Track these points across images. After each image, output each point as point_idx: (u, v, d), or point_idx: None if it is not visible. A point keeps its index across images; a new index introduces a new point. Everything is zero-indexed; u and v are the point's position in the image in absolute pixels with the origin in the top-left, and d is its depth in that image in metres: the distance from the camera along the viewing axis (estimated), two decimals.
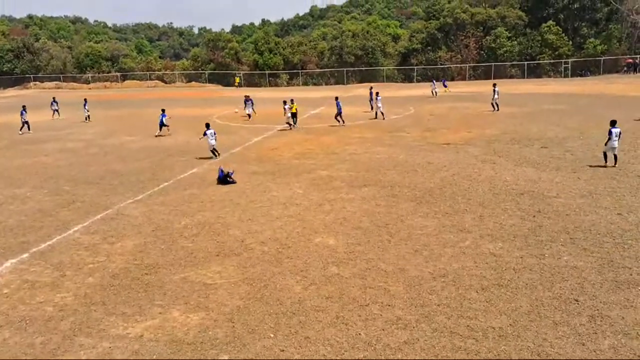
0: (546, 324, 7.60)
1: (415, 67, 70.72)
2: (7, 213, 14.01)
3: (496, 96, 32.83)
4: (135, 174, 18.18)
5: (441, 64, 70.34)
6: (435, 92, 46.90)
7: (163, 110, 27.79)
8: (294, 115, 28.21)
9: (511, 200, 13.62)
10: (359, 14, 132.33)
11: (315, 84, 73.44)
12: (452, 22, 71.57)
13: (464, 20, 70.80)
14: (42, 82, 79.96)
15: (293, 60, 75.49)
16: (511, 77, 66.70)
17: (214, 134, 20.40)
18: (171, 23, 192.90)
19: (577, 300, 8.25)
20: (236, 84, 72.05)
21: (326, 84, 72.37)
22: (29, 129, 29.64)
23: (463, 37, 70.33)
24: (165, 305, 8.57)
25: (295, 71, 74.93)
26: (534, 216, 12.31)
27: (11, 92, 70.36)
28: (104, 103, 48.94)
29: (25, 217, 13.63)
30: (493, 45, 68.46)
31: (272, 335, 7.55)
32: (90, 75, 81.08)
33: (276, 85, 73.21)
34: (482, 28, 70.93)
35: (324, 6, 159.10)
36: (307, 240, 11.29)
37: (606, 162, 16.97)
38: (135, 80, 78.73)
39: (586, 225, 11.57)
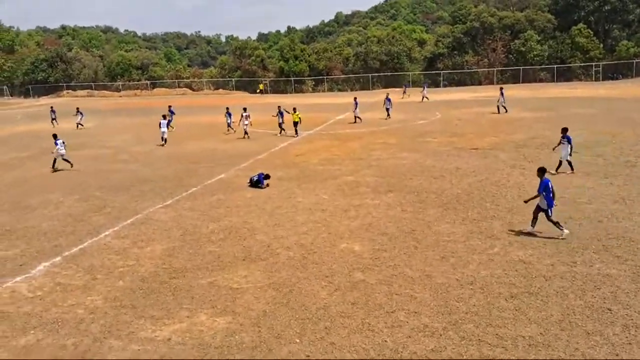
0: (578, 333, 7.40)
1: (442, 72, 70.17)
2: (41, 218, 14.43)
3: (502, 99, 33.61)
4: (164, 180, 18.50)
5: (468, 68, 69.64)
6: (426, 98, 46.65)
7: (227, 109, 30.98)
8: (295, 124, 28.13)
9: None
10: (384, 20, 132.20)
11: (340, 90, 73.59)
12: (479, 26, 70.81)
13: (491, 24, 69.99)
14: (75, 90, 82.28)
15: (318, 66, 75.83)
16: (540, 80, 65.52)
17: (63, 143, 21.42)
18: (199, 32, 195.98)
19: (610, 310, 8.01)
20: (258, 90, 72.70)
21: (351, 90, 72.38)
22: None
23: (490, 41, 69.48)
24: (193, 309, 8.68)
25: (320, 77, 75.24)
26: (565, 223, 12.01)
27: (45, 100, 72.62)
28: (134, 110, 50.02)
29: (57, 221, 14.01)
30: (522, 49, 67.41)
31: (297, 341, 7.56)
32: (121, 83, 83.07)
33: (301, 91, 73.60)
34: (510, 32, 69.96)
35: (349, 12, 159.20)
36: (332, 246, 11.29)
37: (572, 169, 16.74)
38: (164, 88, 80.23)
39: (619, 232, 11.24)
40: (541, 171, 11.30)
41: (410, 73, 73.05)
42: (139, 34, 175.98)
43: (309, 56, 76.38)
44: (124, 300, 9.12)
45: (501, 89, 35.34)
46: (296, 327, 7.95)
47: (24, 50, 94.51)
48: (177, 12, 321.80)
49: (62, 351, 7.54)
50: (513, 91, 51.10)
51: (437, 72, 71.05)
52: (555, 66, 65.68)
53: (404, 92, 52.57)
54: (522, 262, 9.92)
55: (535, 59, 66.95)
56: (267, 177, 17.02)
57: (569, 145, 16.54)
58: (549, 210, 11.07)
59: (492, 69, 68.59)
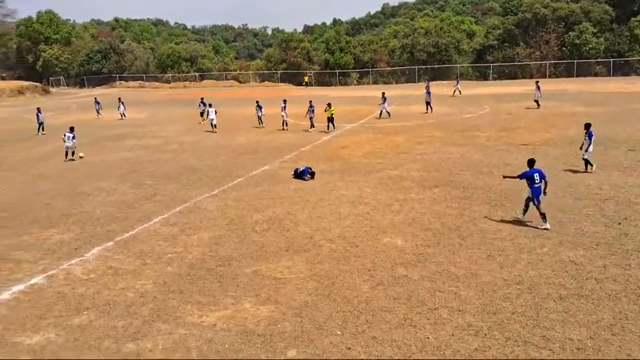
0: (631, 338, 7.10)
1: (491, 65, 68.18)
2: (95, 204, 15.08)
3: (538, 93, 32.86)
4: (211, 170, 18.93)
5: (519, 61, 67.37)
6: (459, 91, 45.13)
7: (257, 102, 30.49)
8: (330, 120, 26.75)
9: (594, 205, 12.82)
10: (432, 11, 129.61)
11: (385, 82, 72.80)
12: (531, 17, 68.24)
13: (544, 15, 67.31)
14: (127, 81, 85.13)
15: (363, 58, 75.30)
16: (596, 75, 62.61)
17: (72, 138, 22.29)
18: (246, 24, 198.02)
19: None
20: (304, 83, 72.94)
21: (396, 82, 71.54)
22: (42, 130, 30.97)
23: (543, 33, 66.89)
24: (238, 297, 8.88)
25: (365, 70, 74.69)
26: (619, 223, 11.51)
27: (99, 90, 75.50)
28: (183, 102, 51.24)
29: (110, 208, 14.60)
30: (577, 41, 64.54)
31: (339, 333, 7.61)
32: (170, 75, 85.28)
33: (346, 84, 73.33)
34: (564, 23, 67.09)
35: (396, 4, 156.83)
36: (375, 240, 11.26)
37: (588, 168, 16.24)
38: (212, 80, 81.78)
39: None
40: (530, 163, 11.84)
41: (458, 65, 71.43)
42: (189, 26, 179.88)
43: (354, 48, 75.93)
44: (172, 285, 9.44)
45: (537, 82, 34.54)
46: (338, 319, 8.00)
47: (79, 42, 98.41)
48: (225, 5, 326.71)
49: (112, 332, 7.88)
50: (567, 85, 49.15)
51: (486, 64, 69.10)
52: (611, 60, 62.56)
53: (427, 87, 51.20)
54: (572, 263, 9.59)
55: (590, 52, 63.96)
56: (313, 174, 17.08)
57: (589, 142, 16.03)
58: (535, 199, 11.46)
59: (545, 62, 66.04)
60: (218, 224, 12.79)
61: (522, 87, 48.83)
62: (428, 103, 33.58)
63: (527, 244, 10.62)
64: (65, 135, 22.22)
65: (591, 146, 16.09)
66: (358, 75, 75.24)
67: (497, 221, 12.11)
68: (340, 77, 74.35)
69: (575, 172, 16.30)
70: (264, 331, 7.74)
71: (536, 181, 11.40)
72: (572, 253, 10.05)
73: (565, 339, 7.15)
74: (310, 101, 28.57)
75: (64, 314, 8.52)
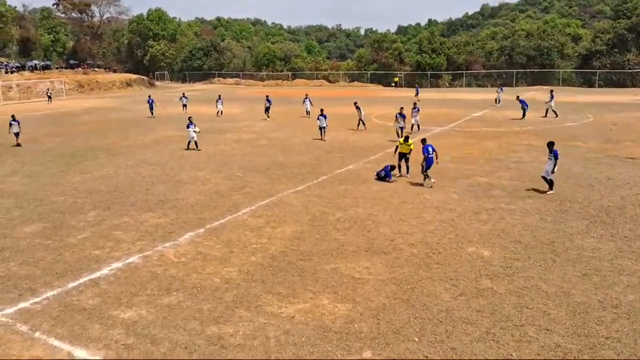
0: None
1: (598, 71, 63.28)
2: (190, 192, 15.99)
3: (551, 102, 32.02)
4: (297, 167, 19.35)
5: (629, 68, 61.91)
6: (498, 100, 41.67)
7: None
8: (405, 157, 17.31)
9: None
10: (535, 12, 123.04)
11: (479, 85, 70.19)
12: None
13: None
14: (225, 78, 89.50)
15: (457, 60, 73.10)
16: None
17: (188, 127, 23.47)
18: (340, 25, 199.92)
19: None
20: (393, 84, 72.20)
21: (492, 86, 68.65)
22: (152, 115, 37.66)
23: None
24: (316, 292, 9.01)
25: (459, 72, 72.44)
26: None
27: (199, 85, 79.97)
28: (275, 100, 52.80)
29: (203, 196, 15.42)
30: None
31: (416, 340, 7.46)
32: (265, 73, 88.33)
33: (437, 86, 71.60)
34: None
35: (496, 5, 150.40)
36: (459, 248, 10.90)
37: (551, 188, 14.89)
38: (303, 79, 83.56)
39: None
40: (422, 141, 16.16)
41: (560, 70, 67.15)
42: (285, 26, 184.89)
43: (448, 49, 73.90)
44: (255, 274, 9.78)
45: (551, 91, 33.27)
46: (415, 325, 7.85)
47: (183, 39, 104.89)
48: (321, 6, 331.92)
49: (198, 314, 8.31)
50: None
51: (592, 70, 64.27)
52: None
53: (416, 94, 47.55)
54: None
55: None
56: (393, 168, 16.95)
57: (555, 161, 14.55)
58: (426, 167, 15.79)
59: None
60: (301, 219, 13.05)
61: (631, 96, 44.86)
62: (523, 109, 32.16)
63: (629, 266, 9.75)
64: (189, 127, 23.37)
65: (554, 166, 14.67)
66: (450, 77, 73.20)
67: (596, 238, 11.24)
68: (432, 79, 72.76)
69: None
70: (340, 329, 7.78)
71: (430, 153, 15.52)
72: None
73: None
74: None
75: (155, 293, 9.11)
